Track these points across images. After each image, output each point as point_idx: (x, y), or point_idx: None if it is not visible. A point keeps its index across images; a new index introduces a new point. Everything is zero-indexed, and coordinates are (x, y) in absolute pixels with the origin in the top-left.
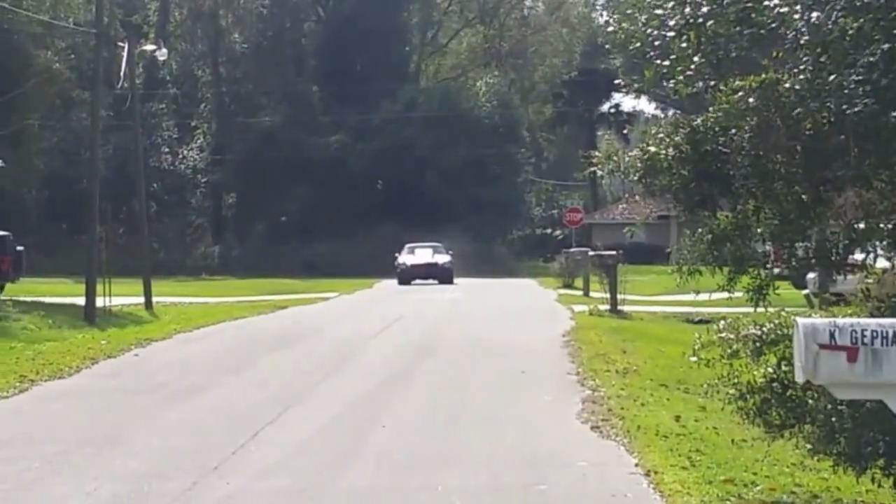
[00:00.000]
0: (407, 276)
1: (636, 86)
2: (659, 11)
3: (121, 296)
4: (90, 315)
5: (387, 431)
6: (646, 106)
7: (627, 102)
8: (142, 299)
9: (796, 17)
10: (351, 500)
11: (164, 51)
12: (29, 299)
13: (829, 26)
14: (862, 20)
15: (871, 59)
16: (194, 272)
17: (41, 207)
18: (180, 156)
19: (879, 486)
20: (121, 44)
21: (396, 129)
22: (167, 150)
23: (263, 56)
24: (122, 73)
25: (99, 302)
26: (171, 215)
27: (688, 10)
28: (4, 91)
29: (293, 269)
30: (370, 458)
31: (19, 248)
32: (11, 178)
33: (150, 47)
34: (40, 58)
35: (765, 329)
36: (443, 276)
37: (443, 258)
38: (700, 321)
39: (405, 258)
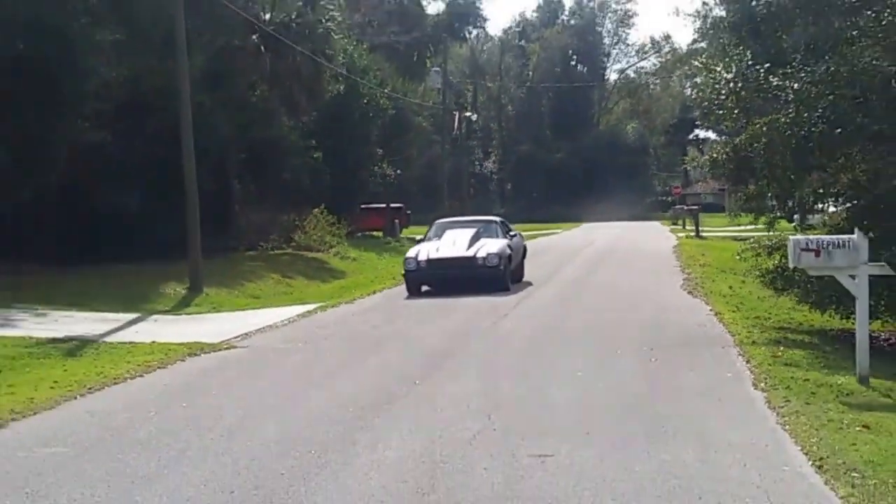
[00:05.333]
0: (419, 281)
1: (707, 125)
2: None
3: None
4: None
5: (586, 300)
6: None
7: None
8: None
9: (788, 89)
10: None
11: (476, 116)
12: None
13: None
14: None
15: (820, 112)
16: None
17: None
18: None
19: (831, 317)
20: (454, 112)
21: None
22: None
23: None
24: (455, 126)
25: None
26: None
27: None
28: (397, 144)
29: None
30: (577, 318)
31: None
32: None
33: (468, 114)
34: (416, 122)
35: (773, 242)
36: (486, 278)
37: (491, 246)
38: (742, 240)
39: (423, 248)
